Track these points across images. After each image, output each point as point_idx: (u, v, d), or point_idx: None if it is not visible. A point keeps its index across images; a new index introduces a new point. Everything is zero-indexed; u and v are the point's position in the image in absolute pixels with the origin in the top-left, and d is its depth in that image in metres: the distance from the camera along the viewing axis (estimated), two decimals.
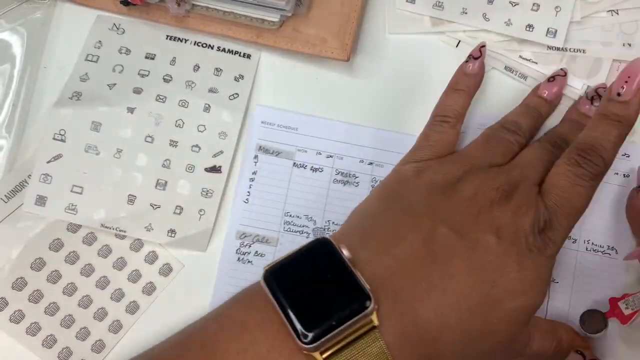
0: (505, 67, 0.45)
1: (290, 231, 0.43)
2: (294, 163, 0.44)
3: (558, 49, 0.44)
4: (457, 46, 0.46)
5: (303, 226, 0.43)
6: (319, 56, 0.44)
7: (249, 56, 0.45)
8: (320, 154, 0.44)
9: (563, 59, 0.44)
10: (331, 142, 0.44)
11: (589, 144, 0.35)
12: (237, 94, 0.44)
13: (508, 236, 0.33)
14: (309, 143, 0.44)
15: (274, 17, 0.43)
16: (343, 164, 0.43)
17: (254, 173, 0.44)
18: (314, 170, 0.43)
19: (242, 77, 0.45)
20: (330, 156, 0.44)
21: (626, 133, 0.36)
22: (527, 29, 0.44)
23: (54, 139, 0.42)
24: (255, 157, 0.44)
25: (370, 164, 0.43)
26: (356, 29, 0.44)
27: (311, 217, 0.43)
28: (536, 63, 0.44)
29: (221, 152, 0.43)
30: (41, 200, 0.41)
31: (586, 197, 0.35)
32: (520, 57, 0.45)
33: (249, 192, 0.43)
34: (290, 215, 0.43)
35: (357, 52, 0.46)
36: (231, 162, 0.44)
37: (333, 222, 0.43)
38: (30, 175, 0.42)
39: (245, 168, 0.44)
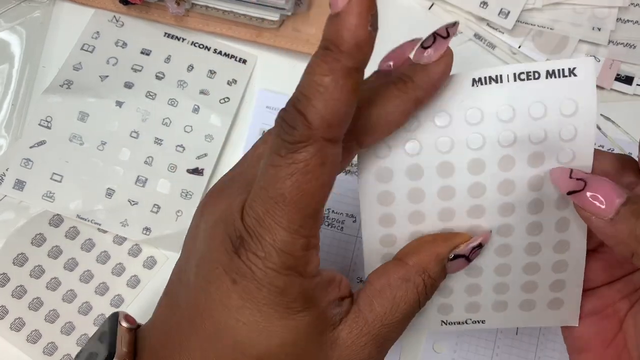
0: (475, 35, 0.46)
1: None
2: None
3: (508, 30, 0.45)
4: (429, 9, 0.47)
5: None
6: None
7: (244, 61, 0.45)
8: None
9: (530, 32, 0.45)
10: None
11: None
12: (228, 98, 0.44)
13: None
14: None
15: (274, 17, 0.42)
16: None
17: None
18: None
19: (235, 81, 0.44)
20: None
21: None
22: (482, 5, 0.45)
23: (39, 124, 0.42)
24: None
25: None
26: None
27: None
28: (502, 33, 0.45)
29: (205, 154, 0.43)
30: (20, 185, 0.41)
31: None
32: (488, 25, 0.45)
33: None
34: None
35: None
36: (214, 166, 0.43)
37: (332, 211, 0.42)
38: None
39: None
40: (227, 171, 0.29)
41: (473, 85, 0.27)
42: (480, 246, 0.28)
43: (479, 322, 0.31)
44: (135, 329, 0.28)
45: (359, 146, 0.26)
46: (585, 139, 0.27)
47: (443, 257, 0.28)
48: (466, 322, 0.31)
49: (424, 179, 0.27)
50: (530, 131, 0.27)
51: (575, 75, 0.26)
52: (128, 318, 0.28)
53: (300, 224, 0.23)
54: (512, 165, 0.27)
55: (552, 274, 0.30)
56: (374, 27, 0.22)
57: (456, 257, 0.28)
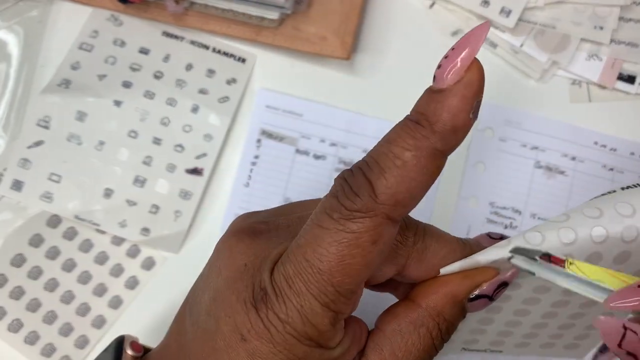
0: None
1: None
2: (297, 150, 0.43)
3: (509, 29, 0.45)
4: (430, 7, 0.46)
5: None
6: (319, 55, 0.43)
7: (243, 60, 0.44)
8: (324, 141, 0.43)
9: (532, 31, 0.44)
10: (335, 130, 0.43)
11: None
12: (227, 97, 0.43)
13: None
14: (313, 130, 0.43)
15: (274, 15, 0.42)
16: (346, 153, 0.43)
17: (256, 157, 0.43)
18: (317, 157, 0.43)
19: (234, 80, 0.44)
20: (334, 144, 0.43)
21: None
22: (483, 4, 0.44)
23: (37, 124, 0.42)
24: (259, 141, 0.43)
25: None
26: (356, 28, 0.44)
27: None
28: (504, 32, 0.45)
29: (204, 154, 0.42)
30: (17, 185, 0.41)
31: None
32: (490, 24, 0.45)
33: (249, 175, 0.43)
34: (291, 202, 0.42)
35: (358, 50, 0.45)
36: (214, 166, 0.42)
37: None
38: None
39: (247, 151, 0.43)
40: (274, 208, 0.27)
41: None
42: (505, 285, 0.25)
43: (497, 352, 0.31)
44: (140, 356, 0.26)
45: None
46: None
47: (461, 298, 0.25)
48: (485, 351, 0.31)
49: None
50: None
51: None
52: (134, 345, 0.26)
53: (332, 299, 0.21)
54: None
55: (584, 330, 0.30)
56: (475, 115, 0.20)
57: (478, 297, 0.25)
